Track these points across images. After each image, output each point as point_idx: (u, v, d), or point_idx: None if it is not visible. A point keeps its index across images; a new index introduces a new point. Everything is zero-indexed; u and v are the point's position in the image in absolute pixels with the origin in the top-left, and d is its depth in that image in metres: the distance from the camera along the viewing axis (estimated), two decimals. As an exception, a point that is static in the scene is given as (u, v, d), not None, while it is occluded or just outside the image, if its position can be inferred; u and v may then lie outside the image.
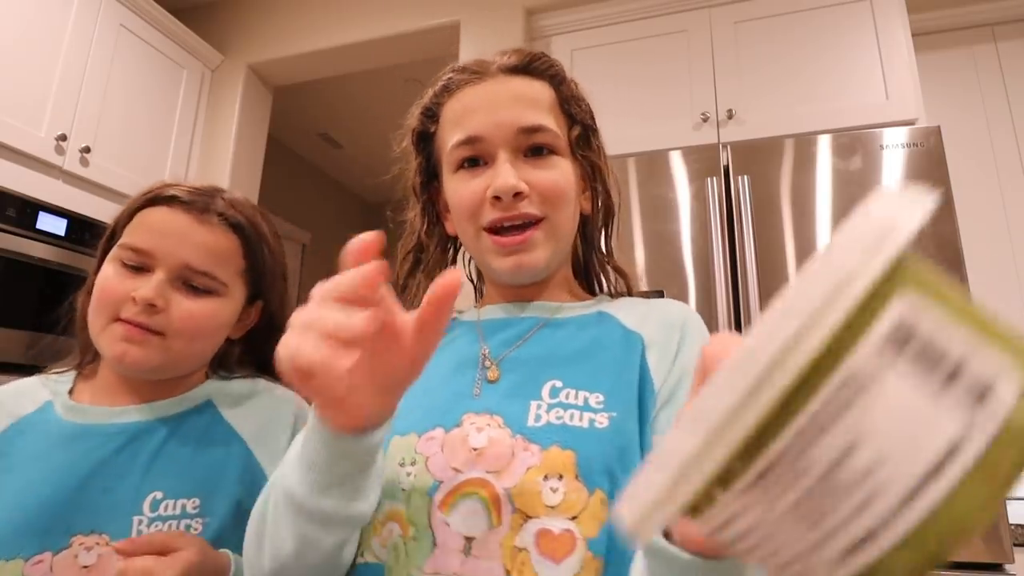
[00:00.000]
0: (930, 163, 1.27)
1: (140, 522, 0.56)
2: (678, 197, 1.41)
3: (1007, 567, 1.06)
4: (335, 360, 0.32)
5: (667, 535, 0.33)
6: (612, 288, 0.65)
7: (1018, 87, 1.79)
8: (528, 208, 0.54)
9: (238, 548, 0.56)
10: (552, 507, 0.44)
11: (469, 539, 0.44)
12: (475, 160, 0.56)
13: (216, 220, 0.63)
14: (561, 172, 0.56)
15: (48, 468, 0.58)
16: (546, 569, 0.42)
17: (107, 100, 1.85)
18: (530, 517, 0.44)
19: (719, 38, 1.75)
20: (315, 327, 0.32)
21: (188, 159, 2.15)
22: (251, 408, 0.68)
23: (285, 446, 0.64)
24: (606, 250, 0.65)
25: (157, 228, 0.61)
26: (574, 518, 0.44)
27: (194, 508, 0.58)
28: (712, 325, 1.29)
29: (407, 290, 0.64)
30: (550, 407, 0.49)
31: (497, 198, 0.53)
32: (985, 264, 1.64)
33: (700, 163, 1.42)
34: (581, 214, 0.61)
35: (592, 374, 0.51)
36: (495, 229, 0.55)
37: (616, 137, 1.79)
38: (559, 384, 0.50)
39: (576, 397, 0.49)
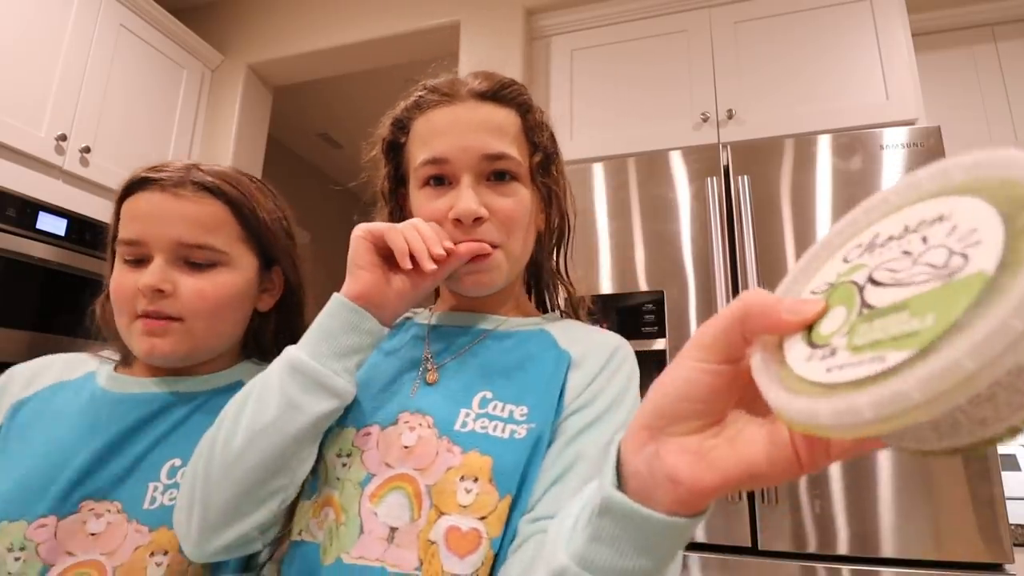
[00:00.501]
0: (930, 163, 1.26)
1: (155, 488, 0.57)
2: (678, 197, 1.41)
3: (1007, 567, 1.06)
4: (426, 259, 0.51)
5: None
6: (560, 305, 0.70)
7: (1018, 87, 1.79)
8: (486, 234, 0.57)
9: None
10: (464, 506, 0.47)
11: (393, 529, 0.48)
12: (440, 179, 0.58)
13: (192, 190, 0.62)
14: (519, 199, 0.59)
15: (71, 429, 0.59)
16: (451, 563, 0.45)
17: (107, 100, 1.85)
18: (443, 513, 0.47)
19: (719, 38, 1.75)
20: (421, 232, 0.53)
21: (188, 159, 2.15)
22: None
23: None
24: (556, 268, 0.69)
25: (140, 215, 0.61)
26: (483, 518, 0.47)
27: None
28: (712, 325, 1.29)
29: None
30: (477, 416, 0.52)
31: (459, 220, 0.56)
32: (985, 264, 1.64)
33: (700, 163, 1.42)
34: (537, 232, 0.64)
35: (521, 388, 0.54)
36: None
37: (616, 137, 1.80)
38: (489, 395, 0.54)
39: (503, 410, 0.53)
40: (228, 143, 2.21)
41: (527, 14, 1.97)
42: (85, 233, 1.66)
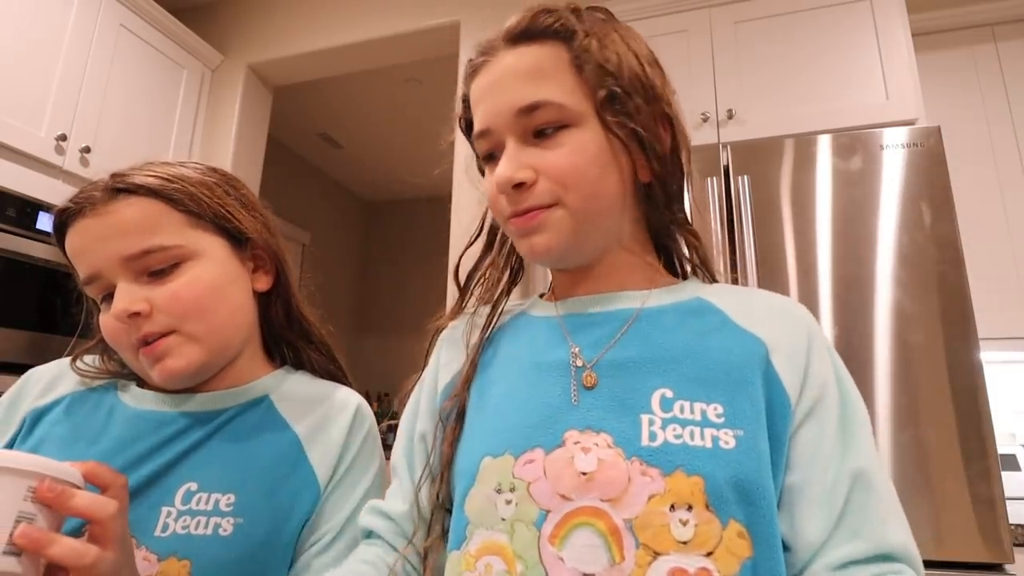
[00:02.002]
0: (930, 163, 1.27)
1: (169, 514, 0.53)
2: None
3: (1007, 567, 1.06)
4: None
5: None
6: (691, 263, 0.59)
7: (1018, 87, 1.79)
8: (536, 199, 0.49)
9: (268, 557, 0.55)
10: (684, 542, 0.39)
11: None
12: (492, 154, 0.52)
13: (112, 201, 0.57)
14: (573, 148, 0.49)
15: (91, 450, 0.56)
16: None
17: (107, 100, 1.85)
18: (659, 554, 0.39)
19: (719, 38, 1.75)
20: None
21: (188, 159, 2.14)
22: (310, 405, 0.64)
23: (338, 448, 0.62)
24: (674, 219, 0.57)
25: (78, 250, 0.57)
26: (709, 554, 0.39)
27: (227, 505, 0.55)
28: (712, 325, 1.29)
29: (478, 274, 0.61)
30: (664, 423, 0.43)
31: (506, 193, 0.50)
32: (985, 264, 1.64)
33: (700, 163, 1.42)
34: (642, 182, 0.53)
35: (705, 380, 0.45)
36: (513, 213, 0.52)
37: (616, 137, 1.80)
38: (669, 394, 0.45)
39: (692, 410, 0.44)
40: (228, 143, 2.21)
41: (527, 14, 1.97)
42: (85, 233, 1.66)
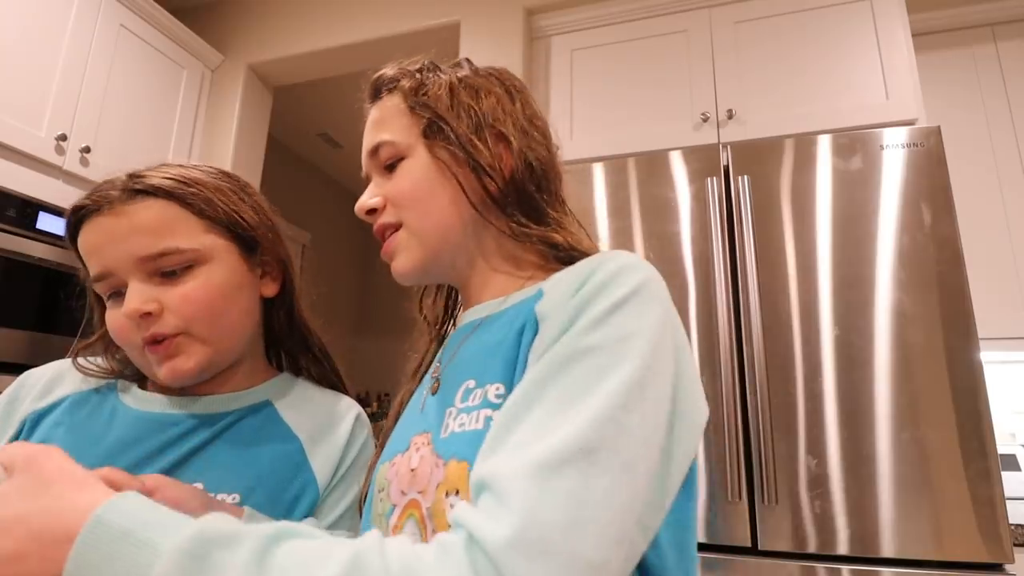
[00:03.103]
0: (930, 163, 1.27)
1: None
2: (678, 197, 1.41)
3: (1007, 567, 1.06)
4: None
5: None
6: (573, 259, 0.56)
7: (1018, 87, 1.79)
8: (384, 219, 0.57)
9: None
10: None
11: None
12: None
13: (130, 201, 0.58)
14: (403, 175, 0.56)
15: (92, 450, 0.57)
16: None
17: (107, 100, 1.85)
18: None
19: (719, 38, 1.75)
20: None
21: (188, 159, 2.15)
22: (312, 410, 0.66)
23: (338, 454, 0.64)
24: (530, 222, 0.56)
25: (92, 247, 0.58)
26: None
27: (233, 503, 0.56)
28: (712, 325, 1.29)
29: (423, 312, 0.68)
30: (458, 412, 0.46)
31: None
32: (985, 264, 1.64)
33: (700, 163, 1.42)
34: (491, 194, 0.55)
35: (495, 365, 0.46)
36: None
37: (616, 137, 1.80)
38: (472, 384, 0.47)
39: (479, 396, 0.45)
40: (228, 143, 2.21)
41: (527, 14, 1.97)
42: (85, 233, 1.66)
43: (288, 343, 0.71)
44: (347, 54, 2.22)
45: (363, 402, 3.69)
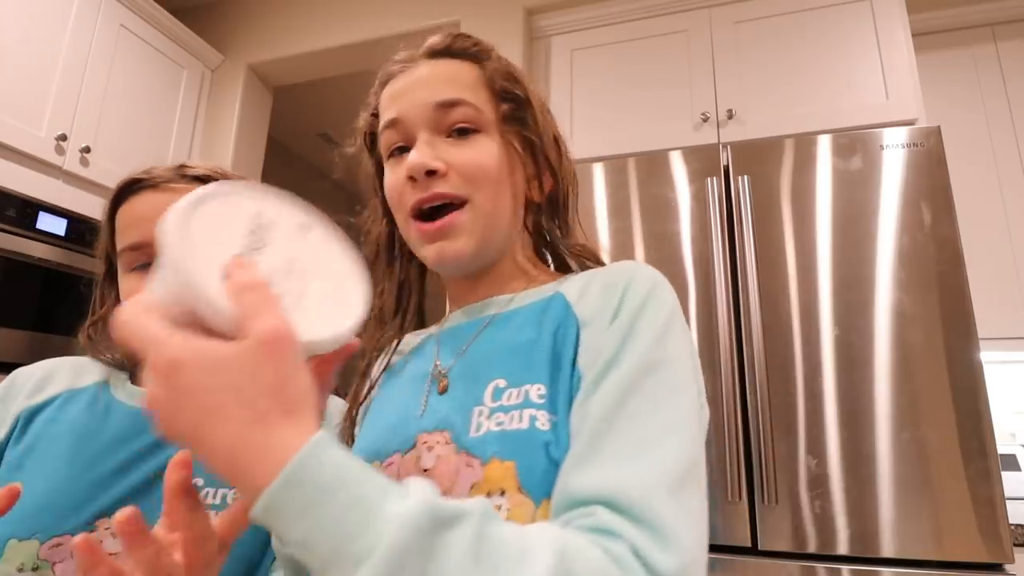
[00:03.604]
0: (930, 163, 1.27)
1: None
2: (678, 197, 1.41)
3: (1007, 567, 1.06)
4: None
5: None
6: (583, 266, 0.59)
7: (1018, 87, 1.79)
8: (445, 188, 0.51)
9: (265, 547, 0.57)
10: None
11: None
12: (403, 148, 0.54)
13: (186, 183, 0.61)
14: (483, 149, 0.52)
15: (89, 445, 0.57)
16: None
17: (107, 100, 1.85)
18: None
19: (719, 38, 1.75)
20: None
21: (188, 159, 2.15)
22: None
23: None
24: (562, 232, 0.59)
25: (140, 217, 0.60)
26: None
27: (234, 495, 0.57)
28: (712, 325, 1.29)
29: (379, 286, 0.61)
30: (492, 412, 0.45)
31: (412, 178, 0.51)
32: (985, 264, 1.64)
33: (700, 163, 1.42)
34: (533, 201, 0.57)
35: (531, 365, 0.46)
36: (419, 215, 0.52)
37: (616, 137, 1.80)
38: (502, 384, 0.46)
39: (518, 395, 0.45)
40: (228, 143, 2.21)
41: (527, 14, 1.97)
42: (85, 233, 1.66)
43: None
44: (347, 54, 2.22)
45: (363, 402, 3.69)
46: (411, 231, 0.54)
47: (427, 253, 0.53)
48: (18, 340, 1.49)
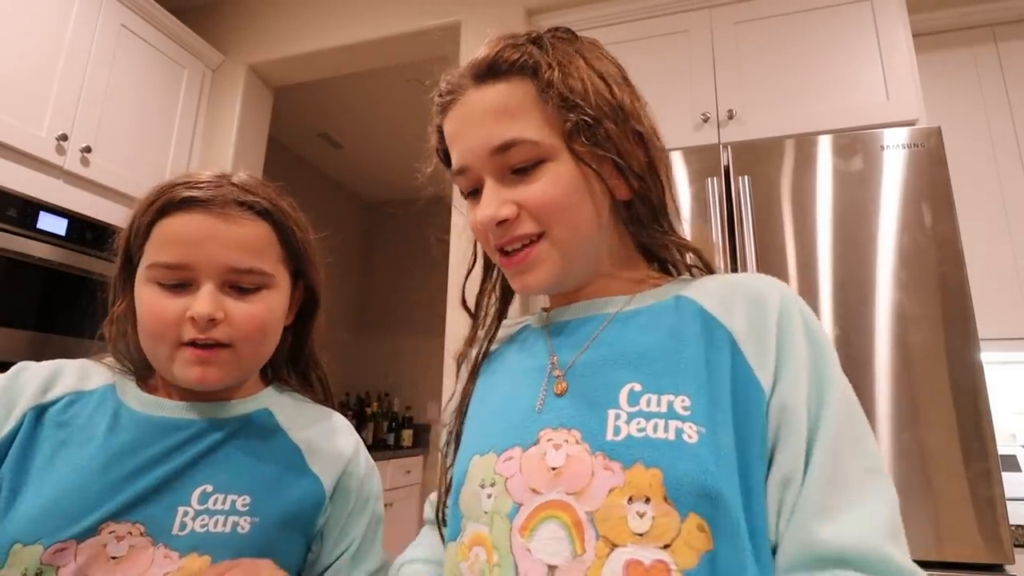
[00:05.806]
0: (931, 163, 1.27)
1: (186, 513, 0.55)
2: (678, 197, 1.41)
3: (1007, 567, 1.06)
4: None
5: None
6: (690, 269, 0.58)
7: (1019, 87, 1.79)
8: (519, 230, 0.51)
9: (282, 553, 0.57)
10: (640, 534, 0.40)
11: (552, 567, 0.41)
12: (474, 190, 0.54)
13: (238, 211, 0.60)
14: (550, 180, 0.50)
15: (98, 450, 0.57)
16: None
17: (108, 100, 1.85)
18: (616, 546, 0.40)
19: (720, 38, 1.75)
20: None
21: (189, 159, 2.15)
22: (308, 421, 0.68)
23: (343, 463, 0.65)
24: (664, 227, 0.56)
25: (184, 238, 0.58)
26: (667, 546, 0.39)
27: (244, 506, 0.57)
28: (712, 325, 1.29)
29: (481, 308, 0.63)
30: (630, 416, 0.44)
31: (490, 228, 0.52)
32: (985, 264, 1.64)
33: (700, 163, 1.42)
34: (621, 201, 0.54)
35: (674, 373, 0.46)
36: (501, 250, 0.53)
37: (616, 137, 1.79)
38: (638, 388, 0.46)
39: (659, 403, 0.44)
40: (228, 143, 2.21)
41: (527, 14, 1.97)
42: (86, 233, 1.66)
43: (283, 372, 0.73)
44: (347, 54, 2.22)
45: (363, 402, 3.69)
46: (497, 262, 0.56)
47: (513, 284, 0.55)
48: (18, 340, 1.49)
